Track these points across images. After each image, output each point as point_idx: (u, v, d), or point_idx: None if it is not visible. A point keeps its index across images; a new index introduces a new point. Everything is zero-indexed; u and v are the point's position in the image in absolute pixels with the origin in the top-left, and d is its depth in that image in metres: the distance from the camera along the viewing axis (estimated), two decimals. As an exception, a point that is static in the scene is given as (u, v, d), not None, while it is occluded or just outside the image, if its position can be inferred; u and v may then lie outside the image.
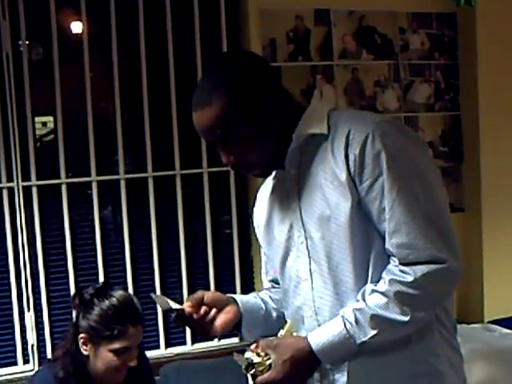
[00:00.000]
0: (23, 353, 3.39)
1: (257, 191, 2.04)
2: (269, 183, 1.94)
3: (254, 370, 1.68)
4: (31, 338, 3.39)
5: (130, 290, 3.51)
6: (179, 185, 3.59)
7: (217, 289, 3.65)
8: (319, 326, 1.74)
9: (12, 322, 3.38)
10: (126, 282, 3.52)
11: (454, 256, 1.64)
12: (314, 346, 1.66)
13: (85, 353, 2.38)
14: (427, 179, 1.66)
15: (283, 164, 1.80)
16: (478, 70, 3.88)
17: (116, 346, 2.33)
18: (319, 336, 1.67)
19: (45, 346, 3.40)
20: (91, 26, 3.47)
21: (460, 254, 1.66)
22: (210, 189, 3.65)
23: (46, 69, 3.41)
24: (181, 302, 1.80)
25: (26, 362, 3.40)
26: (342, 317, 1.65)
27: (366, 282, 1.69)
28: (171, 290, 3.62)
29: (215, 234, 3.69)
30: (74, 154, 3.50)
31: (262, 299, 2.00)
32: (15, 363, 3.39)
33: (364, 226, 1.68)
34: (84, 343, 2.37)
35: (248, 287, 3.72)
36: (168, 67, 3.55)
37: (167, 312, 1.83)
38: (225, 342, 3.67)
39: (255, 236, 2.01)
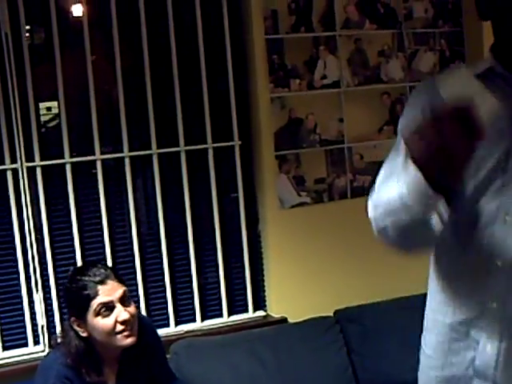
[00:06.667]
0: (33, 334, 3.39)
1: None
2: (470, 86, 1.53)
3: None
4: (41, 318, 3.38)
5: (138, 269, 3.50)
6: (184, 161, 3.56)
7: (225, 263, 3.65)
8: None
9: (21, 303, 3.36)
10: (133, 261, 3.51)
11: None
12: None
13: (84, 335, 2.40)
14: None
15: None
16: (483, 36, 3.82)
17: (94, 307, 2.36)
18: None
19: (54, 327, 3.38)
20: (91, 8, 3.42)
21: None
22: (216, 164, 3.62)
23: (47, 53, 3.37)
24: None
25: (36, 343, 3.39)
26: None
27: None
28: (178, 267, 3.61)
29: (221, 208, 3.65)
30: (78, 135, 3.46)
31: None
32: (25, 344, 3.38)
33: None
34: (78, 325, 2.40)
35: (256, 262, 3.71)
36: (169, 44, 3.50)
37: None
38: (234, 318, 3.68)
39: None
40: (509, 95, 1.56)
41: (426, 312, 1.80)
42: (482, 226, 1.59)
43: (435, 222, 1.50)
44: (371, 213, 1.67)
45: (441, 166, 1.37)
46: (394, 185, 1.55)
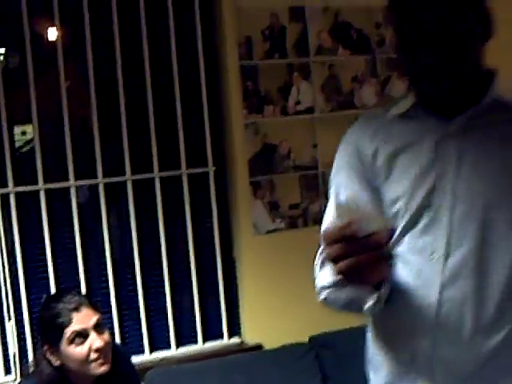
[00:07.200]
0: (4, 363, 3.34)
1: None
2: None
3: None
4: (12, 347, 3.34)
5: (112, 296, 3.48)
6: (158, 187, 3.55)
7: (199, 289, 3.63)
8: None
9: (-8, 332, 3.33)
10: (107, 287, 3.48)
11: None
12: None
13: (57, 363, 2.37)
14: None
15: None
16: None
17: (68, 335, 2.33)
18: None
19: (27, 356, 3.34)
20: (65, 33, 3.42)
21: None
22: (190, 190, 3.61)
23: (21, 77, 3.35)
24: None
25: (7, 372, 3.35)
26: None
27: None
28: (153, 294, 3.59)
29: (196, 234, 3.64)
30: (52, 161, 3.44)
31: None
32: (-3, 374, 3.35)
33: None
34: (51, 353, 2.37)
35: (231, 288, 3.70)
36: (144, 70, 3.51)
37: None
38: (209, 344, 3.66)
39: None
40: (430, 130, 1.59)
41: (373, 351, 1.78)
42: (409, 264, 1.59)
43: (372, 303, 1.53)
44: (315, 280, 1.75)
45: (355, 278, 1.40)
46: (330, 272, 1.58)
